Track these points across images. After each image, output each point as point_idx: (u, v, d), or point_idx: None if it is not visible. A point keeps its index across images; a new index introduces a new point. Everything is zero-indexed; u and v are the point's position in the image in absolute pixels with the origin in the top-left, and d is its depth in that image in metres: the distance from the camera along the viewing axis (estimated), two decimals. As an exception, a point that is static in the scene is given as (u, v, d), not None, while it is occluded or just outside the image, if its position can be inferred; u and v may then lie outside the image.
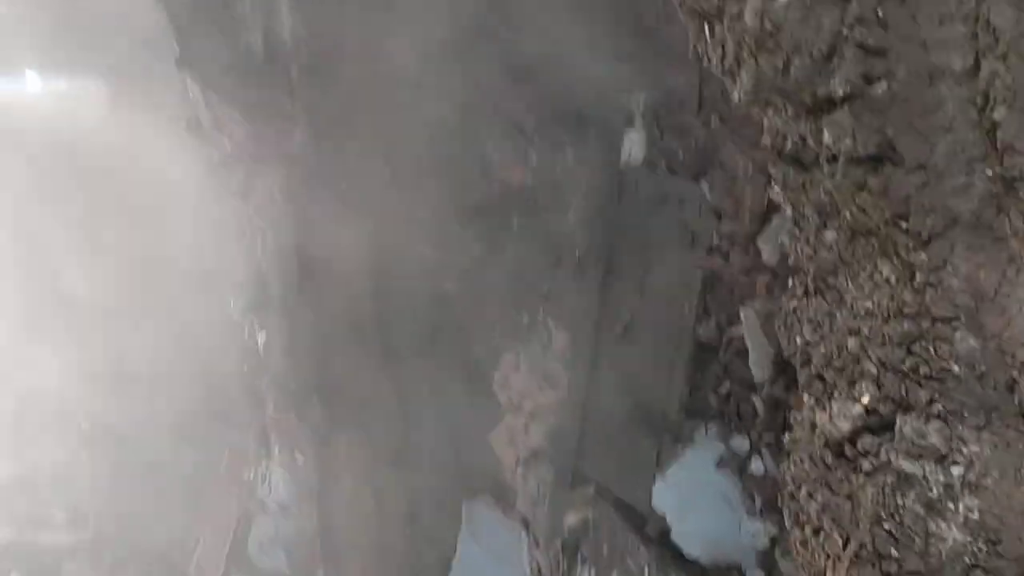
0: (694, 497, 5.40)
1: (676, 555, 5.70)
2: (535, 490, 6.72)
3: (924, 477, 1.73)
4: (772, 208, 4.71)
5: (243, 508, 7.70)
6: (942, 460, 1.68)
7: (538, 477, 6.68)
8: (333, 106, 6.56)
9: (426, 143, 6.84)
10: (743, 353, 5.08)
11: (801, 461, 2.14)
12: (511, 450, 6.89)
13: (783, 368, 4.75)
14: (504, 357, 7.07)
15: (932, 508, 1.70)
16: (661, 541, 5.82)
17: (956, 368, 1.63)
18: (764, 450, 5.09)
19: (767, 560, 5.17)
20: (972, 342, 1.50)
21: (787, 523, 2.27)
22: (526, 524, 6.77)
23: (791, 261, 2.01)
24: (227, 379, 8.56)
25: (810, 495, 2.12)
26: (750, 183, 4.77)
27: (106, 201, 10.77)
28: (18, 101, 13.97)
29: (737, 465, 5.26)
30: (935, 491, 1.70)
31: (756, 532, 5.05)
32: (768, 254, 4.64)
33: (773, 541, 5.05)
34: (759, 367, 4.81)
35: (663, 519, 5.71)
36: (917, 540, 1.73)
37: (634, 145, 5.67)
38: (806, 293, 2.01)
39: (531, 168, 6.91)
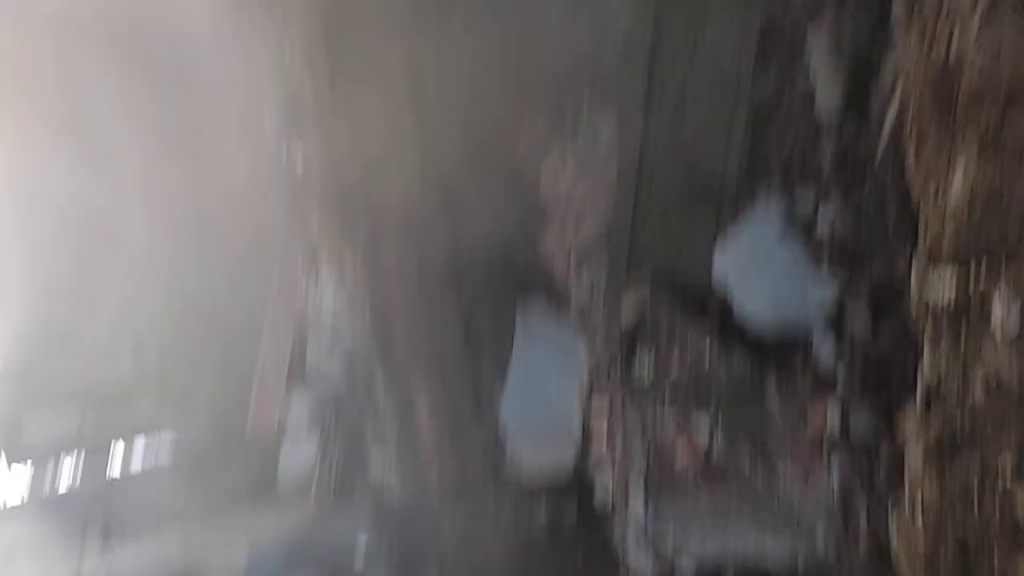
0: (757, 262, 5.15)
1: (739, 327, 5.52)
2: (589, 284, 6.55)
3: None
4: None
5: (298, 324, 7.73)
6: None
7: (592, 271, 6.50)
8: None
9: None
10: (807, 98, 4.69)
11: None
12: (562, 248, 6.69)
13: (853, 97, 4.38)
14: (550, 155, 6.77)
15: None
16: (723, 316, 5.62)
17: None
18: (833, 198, 4.77)
19: (836, 323, 4.95)
20: None
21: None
22: (582, 319, 6.64)
23: None
24: (272, 208, 8.46)
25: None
26: None
27: (135, 55, 10.48)
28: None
29: (803, 221, 4.96)
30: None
31: (825, 287, 4.81)
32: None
33: (842, 295, 4.80)
34: (828, 96, 4.43)
35: (725, 292, 5.48)
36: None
37: None
38: None
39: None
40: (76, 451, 11.77)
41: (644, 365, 6.14)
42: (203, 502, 8.19)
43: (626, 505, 6.29)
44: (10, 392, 10.16)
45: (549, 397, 6.89)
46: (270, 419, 7.95)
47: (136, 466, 10.23)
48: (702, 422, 5.66)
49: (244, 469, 8.23)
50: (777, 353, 5.10)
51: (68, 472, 11.70)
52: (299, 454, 7.89)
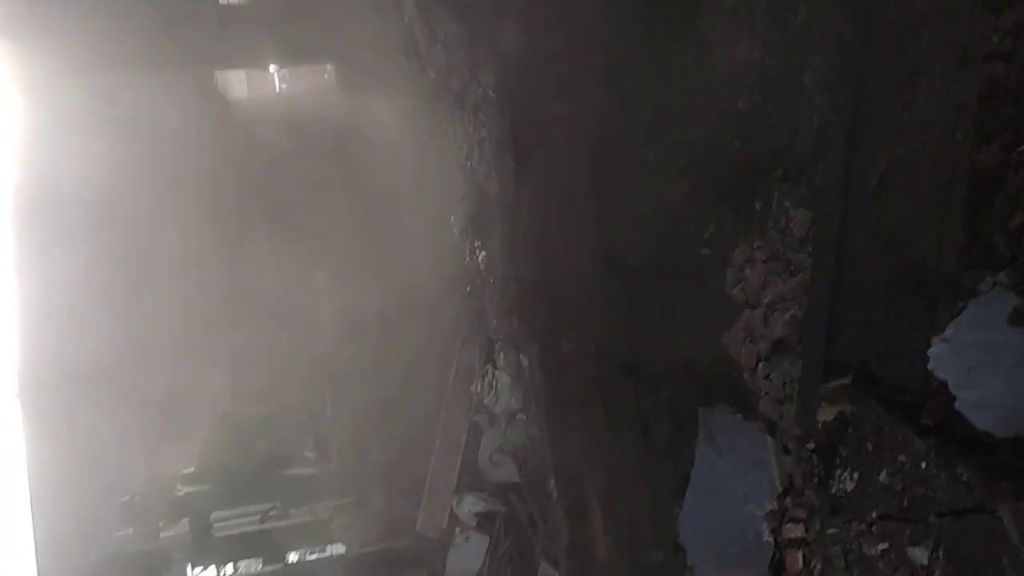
0: (983, 360, 4.52)
1: (962, 440, 4.81)
2: (780, 388, 6.04)
3: None
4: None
5: (471, 420, 7.66)
6: None
7: (783, 373, 6.00)
8: (543, -4, 6.38)
9: (637, 35, 6.47)
10: (1040, 170, 4.19)
11: None
12: (750, 348, 6.26)
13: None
14: (736, 252, 6.49)
15: None
16: (940, 427, 4.94)
17: None
18: (1077, 282, 4.14)
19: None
20: None
21: None
22: (771, 428, 6.10)
23: None
24: (453, 307, 8.64)
25: None
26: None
27: (336, 162, 11.44)
28: (270, 95, 15.29)
29: (1039, 311, 4.33)
30: None
31: (1072, 383, 4.11)
32: (1073, 14, 3.77)
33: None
34: (1068, 163, 3.92)
35: (941, 399, 4.83)
36: None
37: (882, -32, 4.94)
38: None
39: (758, 38, 6.31)
40: (256, 555, 12.07)
41: (846, 476, 5.47)
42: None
43: (828, 639, 5.48)
44: (202, 492, 10.65)
45: (736, 512, 6.29)
46: (439, 521, 7.79)
47: (308, 566, 10.34)
48: (918, 538, 4.89)
49: (410, 571, 8.05)
50: (1012, 456, 4.36)
51: (245, 567, 11.98)
52: (467, 557, 7.62)
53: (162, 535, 10.15)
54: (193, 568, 12.15)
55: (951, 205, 4.71)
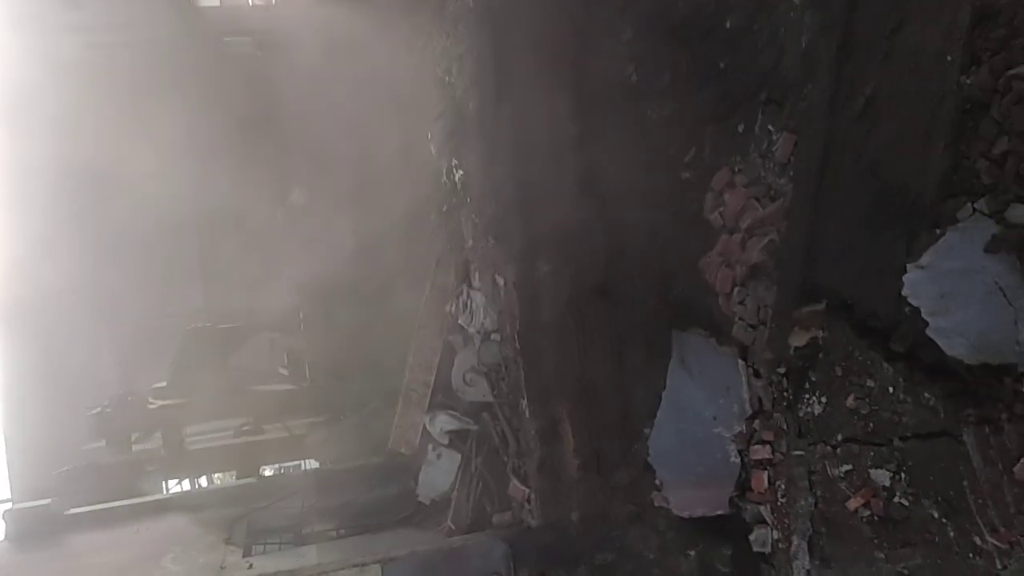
0: (957, 286, 4.54)
1: (930, 367, 4.87)
2: (754, 313, 6.06)
3: None
4: None
5: (444, 339, 7.64)
6: None
7: (757, 297, 6.01)
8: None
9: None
10: (1028, 95, 4.11)
11: None
12: (726, 273, 6.26)
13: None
14: (716, 176, 6.41)
15: None
16: (910, 353, 4.99)
17: None
18: (1056, 212, 4.13)
19: (1054, 356, 4.24)
20: None
21: None
22: (744, 352, 6.14)
23: None
24: (429, 227, 8.52)
25: None
26: None
27: (311, 77, 11.07)
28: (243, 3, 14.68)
29: (1016, 242, 4.33)
30: None
31: (1043, 313, 4.13)
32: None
33: (1065, 323, 4.11)
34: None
35: (913, 325, 4.86)
36: None
37: None
38: None
39: (748, -46, 6.10)
40: (227, 470, 12.18)
41: (814, 400, 5.55)
42: (341, 518, 8.15)
43: (788, 555, 5.65)
44: (175, 407, 10.62)
45: (704, 434, 6.39)
46: (412, 438, 7.86)
47: (282, 479, 10.45)
48: (881, 460, 5.00)
49: (383, 487, 8.16)
50: (978, 383, 4.43)
51: (220, 479, 12.12)
52: (439, 474, 7.72)
53: (135, 448, 10.16)
54: (167, 481, 12.27)
55: (936, 131, 4.65)
